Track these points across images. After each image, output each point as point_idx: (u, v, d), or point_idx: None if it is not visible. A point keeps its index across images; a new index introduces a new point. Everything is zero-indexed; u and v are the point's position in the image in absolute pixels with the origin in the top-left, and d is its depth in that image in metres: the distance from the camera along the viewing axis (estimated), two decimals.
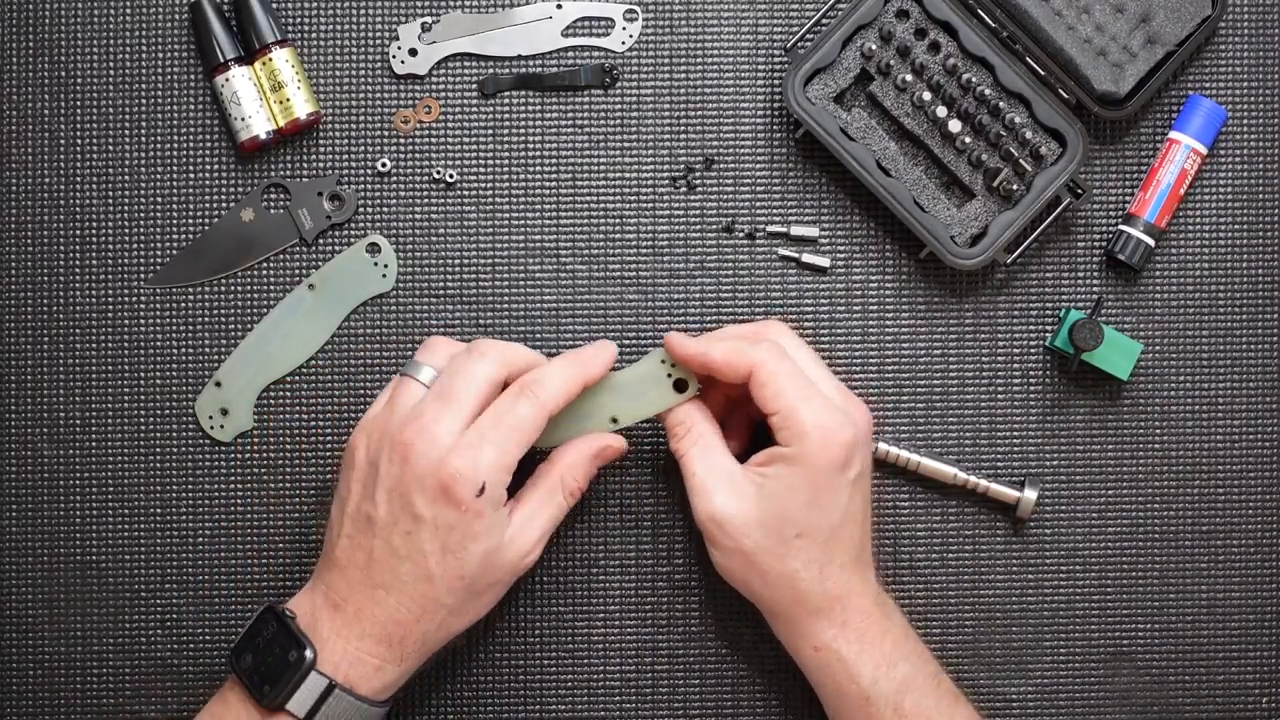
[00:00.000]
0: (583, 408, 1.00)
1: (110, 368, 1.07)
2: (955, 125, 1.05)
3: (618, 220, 1.08)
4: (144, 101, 1.07)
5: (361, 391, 1.07)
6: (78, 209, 1.07)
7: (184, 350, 1.07)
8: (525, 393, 0.96)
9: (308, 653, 0.93)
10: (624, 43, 1.07)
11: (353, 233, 1.07)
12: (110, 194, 1.07)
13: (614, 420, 1.00)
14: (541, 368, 0.98)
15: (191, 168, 1.07)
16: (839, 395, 0.99)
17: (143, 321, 1.07)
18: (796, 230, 1.07)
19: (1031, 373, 1.08)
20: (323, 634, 0.95)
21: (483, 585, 0.96)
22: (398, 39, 1.07)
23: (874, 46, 1.05)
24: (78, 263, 1.07)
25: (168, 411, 1.07)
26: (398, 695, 0.99)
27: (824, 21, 1.06)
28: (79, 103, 1.07)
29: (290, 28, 1.07)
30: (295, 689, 0.93)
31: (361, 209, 1.07)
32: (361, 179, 1.07)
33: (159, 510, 1.06)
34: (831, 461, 0.95)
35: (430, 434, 0.94)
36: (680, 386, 1.00)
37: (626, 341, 1.07)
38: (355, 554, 0.95)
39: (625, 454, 1.01)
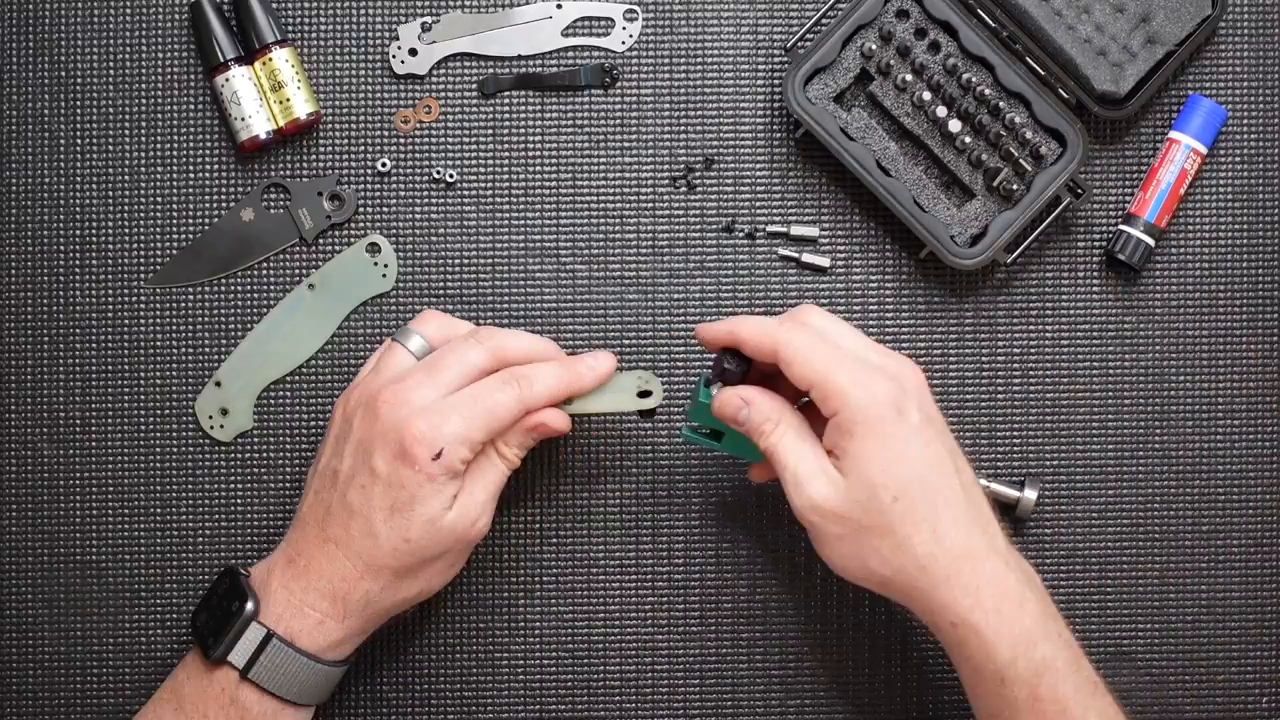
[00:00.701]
0: None
1: (110, 368, 1.07)
2: (955, 125, 1.05)
3: (618, 220, 1.08)
4: (144, 101, 1.07)
5: None
6: (78, 209, 1.07)
7: (184, 350, 1.07)
8: (511, 383, 0.96)
9: (249, 605, 0.95)
10: (624, 43, 1.07)
11: (353, 233, 1.07)
12: (110, 194, 1.07)
13: (566, 402, 0.99)
14: (536, 365, 0.98)
15: (191, 168, 1.07)
16: (877, 355, 0.95)
17: (143, 321, 1.07)
18: (796, 230, 1.07)
19: (1031, 373, 1.08)
20: (272, 587, 0.96)
21: (429, 553, 0.96)
22: (398, 39, 1.07)
23: (874, 46, 1.05)
24: (78, 263, 1.07)
25: (168, 411, 1.07)
26: (350, 659, 0.99)
27: (824, 21, 1.06)
28: (79, 103, 1.07)
29: (290, 28, 1.07)
30: (235, 640, 0.95)
31: (361, 209, 1.07)
32: (361, 179, 1.07)
33: (159, 510, 1.06)
34: (881, 413, 0.92)
35: (404, 396, 0.95)
36: (644, 396, 0.99)
37: (626, 341, 1.07)
38: (316, 509, 0.97)
39: (563, 435, 0.99)
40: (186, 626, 1.06)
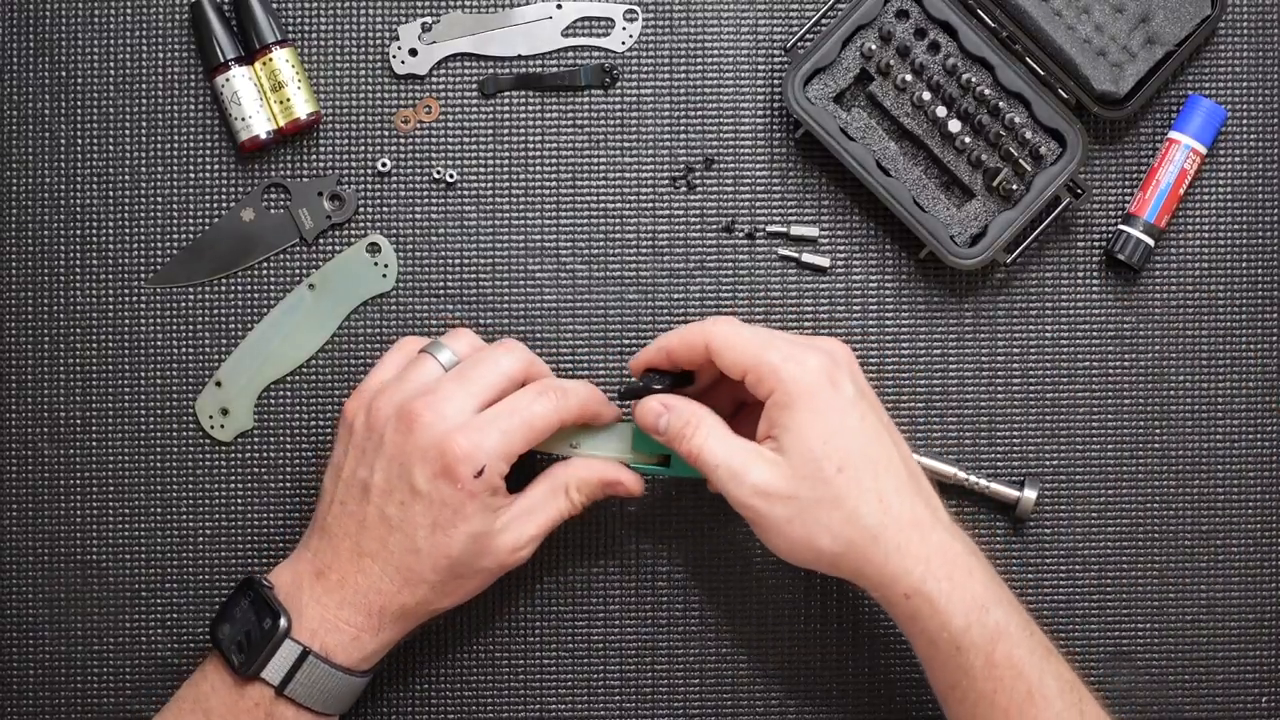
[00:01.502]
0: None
1: (110, 368, 1.07)
2: (955, 125, 1.05)
3: (618, 220, 1.08)
4: (144, 101, 1.07)
5: None
6: (78, 209, 1.07)
7: (184, 350, 1.07)
8: (547, 393, 0.96)
9: (282, 621, 0.94)
10: (624, 43, 1.08)
11: (353, 233, 1.07)
12: (110, 194, 1.07)
13: (573, 445, 1.00)
14: (567, 381, 0.98)
15: (191, 168, 1.07)
16: (804, 340, 0.96)
17: (143, 321, 1.07)
18: (796, 230, 1.07)
19: (1031, 373, 1.08)
20: (302, 601, 0.95)
21: (468, 570, 0.96)
22: (398, 39, 1.07)
23: (874, 46, 1.05)
24: (78, 263, 1.07)
25: (168, 411, 1.07)
26: (379, 667, 0.99)
27: (824, 21, 1.06)
28: (79, 103, 1.07)
29: (290, 28, 1.07)
30: (270, 657, 0.94)
31: (361, 209, 1.07)
32: (361, 179, 1.07)
33: (159, 510, 1.06)
34: (817, 386, 0.92)
35: (440, 409, 0.94)
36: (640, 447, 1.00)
37: (626, 341, 1.07)
38: (346, 521, 0.96)
39: (635, 498, 1.01)
40: (187, 626, 1.06)
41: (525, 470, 0.99)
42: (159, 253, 1.07)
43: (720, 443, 0.94)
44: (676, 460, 0.99)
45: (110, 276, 1.07)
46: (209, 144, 1.07)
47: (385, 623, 0.96)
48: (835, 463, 0.92)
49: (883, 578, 0.92)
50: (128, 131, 1.07)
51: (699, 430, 0.95)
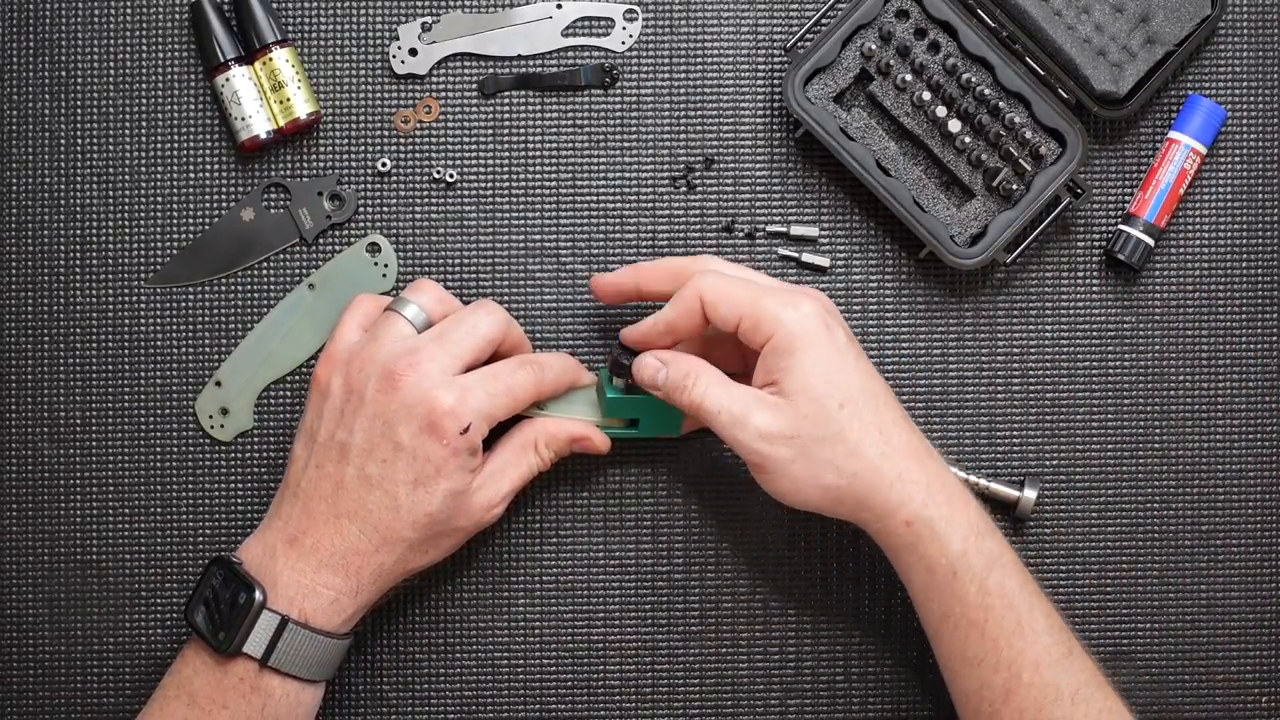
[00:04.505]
0: None
1: (110, 368, 1.07)
2: (955, 125, 1.05)
3: (618, 220, 1.08)
4: (144, 101, 1.07)
5: None
6: (78, 209, 1.07)
7: (184, 350, 1.07)
8: (527, 366, 0.98)
9: (256, 594, 0.94)
10: (624, 43, 1.08)
11: (353, 233, 1.07)
12: (110, 194, 1.07)
13: (539, 407, 1.01)
14: (544, 355, 1.00)
15: (191, 168, 1.07)
16: (790, 287, 0.99)
17: (143, 321, 1.07)
18: (796, 230, 1.07)
19: (1031, 373, 1.08)
20: (276, 570, 0.95)
21: (445, 528, 0.97)
22: (398, 39, 1.07)
23: (874, 46, 1.05)
24: (78, 263, 1.07)
25: (168, 411, 1.07)
26: (358, 629, 0.99)
27: (824, 21, 1.06)
28: (79, 103, 1.07)
29: (290, 28, 1.07)
30: (249, 630, 0.94)
31: (361, 209, 1.07)
32: (361, 179, 1.07)
33: (159, 510, 1.06)
34: (815, 328, 0.95)
35: (423, 368, 0.95)
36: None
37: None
38: (322, 484, 0.96)
39: (601, 454, 1.02)
40: (187, 626, 1.06)
41: (491, 432, 0.99)
42: (159, 253, 1.07)
43: (721, 390, 0.96)
44: (645, 422, 1.02)
45: (110, 276, 1.07)
46: (209, 144, 1.07)
47: (363, 583, 0.96)
48: (837, 400, 0.94)
49: (887, 506, 0.95)
50: (128, 131, 1.07)
51: (699, 381, 0.97)
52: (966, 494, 0.97)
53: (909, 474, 0.95)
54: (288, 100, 1.05)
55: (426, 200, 1.07)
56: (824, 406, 0.94)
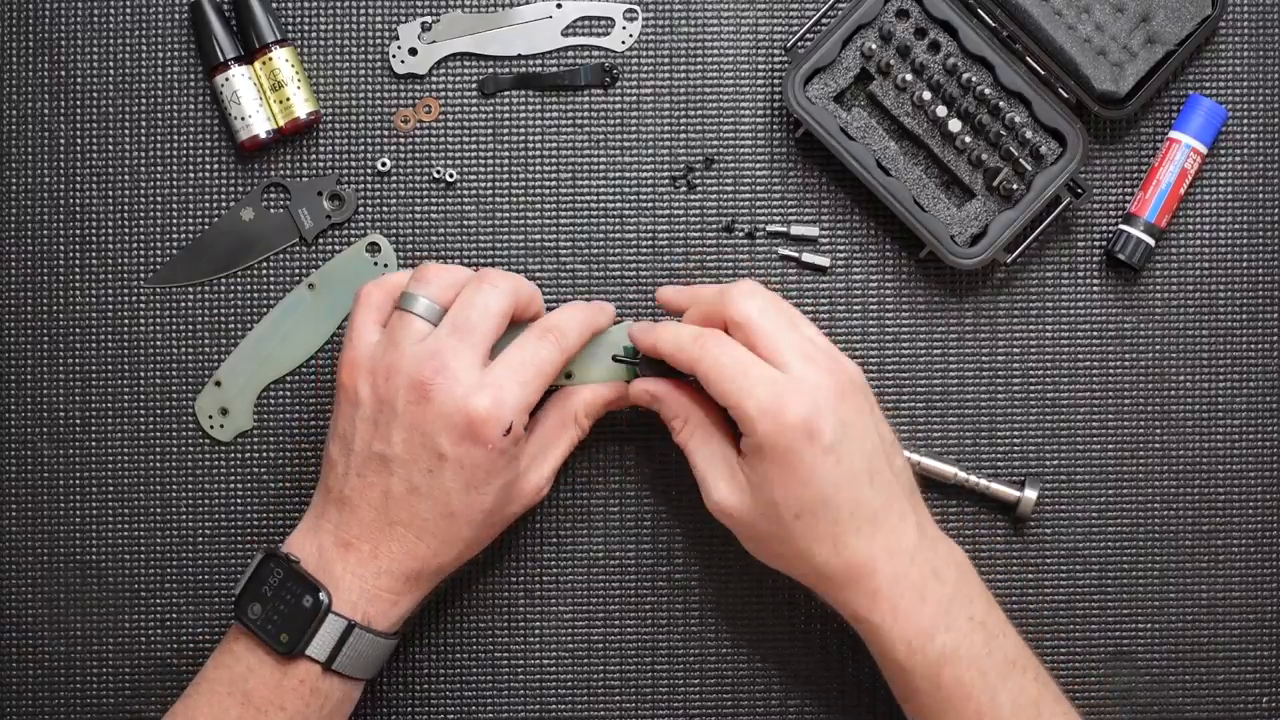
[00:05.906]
0: None
1: (110, 368, 1.07)
2: (955, 125, 1.05)
3: (618, 220, 1.08)
4: (144, 101, 1.07)
5: None
6: (78, 209, 1.07)
7: (184, 350, 1.07)
8: (548, 336, 0.97)
9: (323, 596, 0.93)
10: (624, 42, 1.07)
11: (353, 232, 1.07)
12: (110, 194, 1.07)
13: (567, 376, 1.01)
14: (559, 313, 0.99)
15: (191, 168, 1.07)
16: (800, 362, 0.94)
17: (143, 321, 1.07)
18: (796, 230, 1.07)
19: (1031, 373, 1.08)
20: (335, 574, 0.94)
21: (500, 517, 0.98)
22: (398, 39, 1.07)
23: (874, 46, 1.05)
24: (78, 263, 1.07)
25: (168, 411, 1.07)
26: (406, 629, 1.00)
27: (824, 21, 1.06)
28: (79, 103, 1.07)
29: (290, 27, 1.07)
30: (315, 633, 0.93)
31: (361, 209, 1.07)
32: (361, 179, 1.07)
33: (159, 510, 1.06)
34: (789, 442, 0.92)
35: (451, 371, 0.94)
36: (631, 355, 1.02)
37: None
38: (369, 493, 0.95)
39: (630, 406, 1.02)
40: (187, 626, 1.06)
41: None
42: (159, 253, 1.07)
43: (701, 445, 0.97)
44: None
45: (110, 276, 1.07)
46: (209, 144, 1.07)
47: (421, 584, 0.96)
48: (793, 510, 0.93)
49: (835, 601, 0.96)
50: (128, 131, 1.07)
51: (686, 426, 0.98)
52: (928, 589, 0.94)
53: (857, 584, 0.94)
54: (287, 100, 1.05)
55: (426, 200, 1.07)
56: (778, 514, 0.94)
